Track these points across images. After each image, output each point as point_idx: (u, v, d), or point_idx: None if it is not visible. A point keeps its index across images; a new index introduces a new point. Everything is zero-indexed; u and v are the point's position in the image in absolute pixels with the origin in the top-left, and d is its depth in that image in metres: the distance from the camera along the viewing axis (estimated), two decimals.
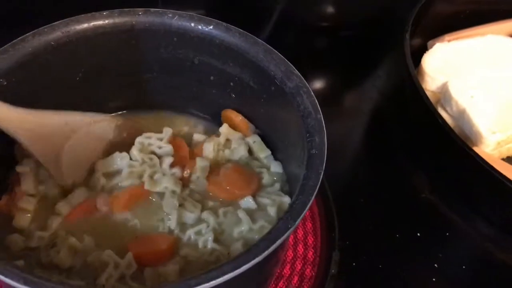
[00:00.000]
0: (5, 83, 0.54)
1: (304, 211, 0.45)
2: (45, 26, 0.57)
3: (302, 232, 0.69)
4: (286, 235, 0.44)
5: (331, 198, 0.70)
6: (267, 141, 0.64)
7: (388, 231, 0.70)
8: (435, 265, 0.68)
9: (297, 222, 0.44)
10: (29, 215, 0.56)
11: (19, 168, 0.58)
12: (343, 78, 0.97)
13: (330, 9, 0.96)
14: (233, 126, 0.65)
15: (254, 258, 0.42)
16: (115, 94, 0.65)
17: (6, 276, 0.41)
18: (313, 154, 0.50)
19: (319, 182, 0.47)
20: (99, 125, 0.62)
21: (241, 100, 0.65)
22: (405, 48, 0.78)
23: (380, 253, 0.68)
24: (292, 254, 0.67)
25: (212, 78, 0.65)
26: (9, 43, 0.55)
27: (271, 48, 0.59)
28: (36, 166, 0.58)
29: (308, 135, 0.52)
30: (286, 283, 0.64)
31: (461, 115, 0.77)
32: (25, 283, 0.41)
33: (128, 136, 0.64)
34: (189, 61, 0.64)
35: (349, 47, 0.98)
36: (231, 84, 0.64)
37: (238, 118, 0.65)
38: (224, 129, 0.64)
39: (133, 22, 0.60)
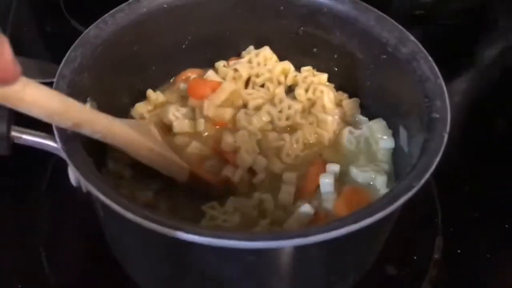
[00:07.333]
0: (120, 40, 0.55)
1: (429, 172, 0.42)
2: None
3: None
4: (409, 194, 0.41)
5: (433, 183, 0.67)
6: (373, 116, 0.61)
7: (495, 220, 0.65)
8: None
9: (421, 182, 0.42)
10: None
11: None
12: (438, 68, 0.93)
13: None
14: None
15: (375, 214, 0.40)
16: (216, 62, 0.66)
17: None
18: (434, 118, 0.47)
19: (443, 146, 0.45)
20: None
21: (344, 73, 0.63)
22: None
23: (488, 242, 0.63)
24: None
25: (315, 50, 0.64)
26: (125, 3, 0.56)
27: (383, 14, 0.57)
28: None
29: (427, 99, 0.49)
30: None
31: None
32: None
33: None
34: (293, 32, 0.63)
35: (445, 36, 0.94)
36: (335, 56, 0.63)
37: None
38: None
39: None
